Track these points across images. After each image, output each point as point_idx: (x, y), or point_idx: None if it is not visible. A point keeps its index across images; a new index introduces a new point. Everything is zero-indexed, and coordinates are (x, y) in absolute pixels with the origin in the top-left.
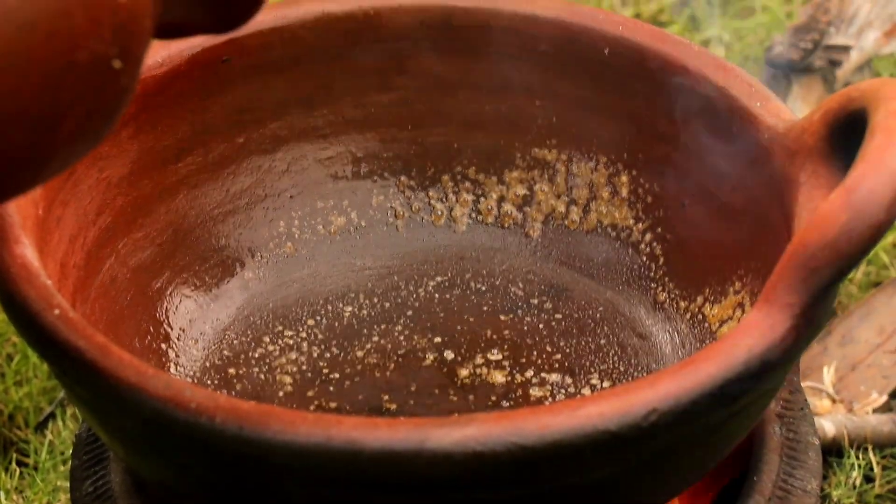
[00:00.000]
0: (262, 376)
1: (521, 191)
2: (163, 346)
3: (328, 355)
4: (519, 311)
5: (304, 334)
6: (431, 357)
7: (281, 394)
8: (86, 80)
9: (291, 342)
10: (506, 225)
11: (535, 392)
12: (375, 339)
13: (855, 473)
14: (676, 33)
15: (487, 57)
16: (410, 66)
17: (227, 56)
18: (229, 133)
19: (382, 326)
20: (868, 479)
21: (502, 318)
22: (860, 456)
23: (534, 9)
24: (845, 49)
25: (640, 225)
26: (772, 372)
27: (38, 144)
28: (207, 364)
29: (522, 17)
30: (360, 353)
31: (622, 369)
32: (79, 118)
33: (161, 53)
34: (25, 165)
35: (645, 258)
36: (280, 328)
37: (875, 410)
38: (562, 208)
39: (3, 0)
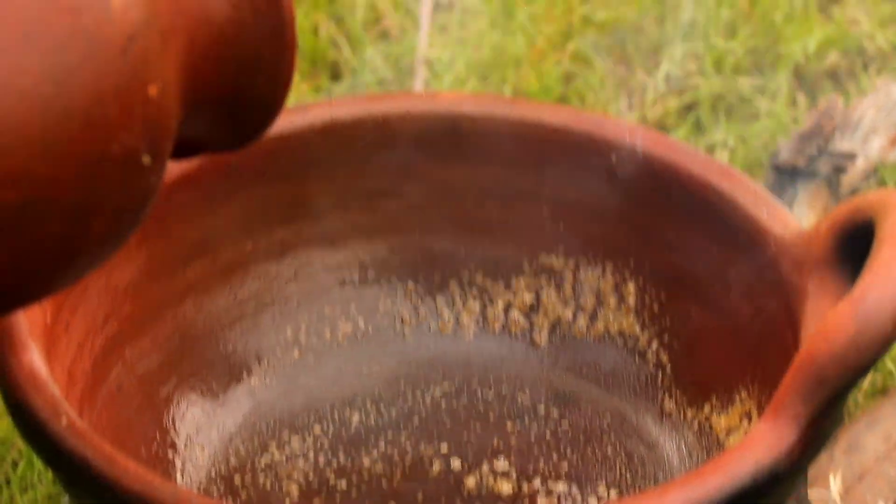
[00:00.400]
0: (269, 485)
1: (529, 298)
2: (169, 453)
3: (335, 463)
4: (526, 419)
5: (310, 441)
6: (438, 466)
7: (287, 503)
8: (117, 175)
9: (298, 450)
10: (513, 332)
11: (542, 502)
12: (382, 446)
13: None
14: (681, 138)
15: (494, 164)
16: (418, 172)
17: (235, 163)
18: (237, 239)
19: (389, 434)
20: None
21: (509, 425)
22: None
23: (540, 116)
24: (851, 156)
25: (646, 333)
26: (780, 484)
27: (71, 238)
28: (213, 472)
29: (529, 124)
30: (366, 462)
31: (629, 479)
32: (109, 215)
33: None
34: (55, 261)
35: (652, 367)
36: (286, 435)
37: None
38: (569, 316)
39: (41, 87)
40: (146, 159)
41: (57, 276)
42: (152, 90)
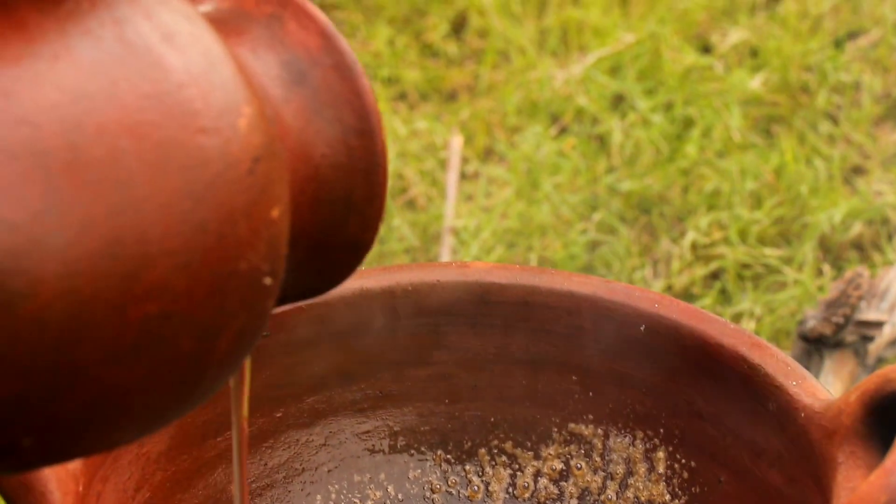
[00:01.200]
0: None
1: (558, 465)
2: None
3: None
4: None
5: None
6: None
7: None
8: (242, 293)
9: None
10: (542, 500)
11: None
12: None
13: None
14: (708, 307)
15: (523, 332)
16: (447, 340)
17: (266, 331)
18: (267, 407)
19: None
20: None
21: None
22: None
23: (570, 286)
24: (878, 324)
25: (676, 502)
26: None
27: (199, 357)
28: None
29: (559, 293)
30: None
31: None
32: (232, 335)
33: None
34: (183, 381)
35: None
36: None
37: None
38: (598, 483)
39: (181, 202)
40: (268, 280)
41: (182, 399)
42: (275, 212)
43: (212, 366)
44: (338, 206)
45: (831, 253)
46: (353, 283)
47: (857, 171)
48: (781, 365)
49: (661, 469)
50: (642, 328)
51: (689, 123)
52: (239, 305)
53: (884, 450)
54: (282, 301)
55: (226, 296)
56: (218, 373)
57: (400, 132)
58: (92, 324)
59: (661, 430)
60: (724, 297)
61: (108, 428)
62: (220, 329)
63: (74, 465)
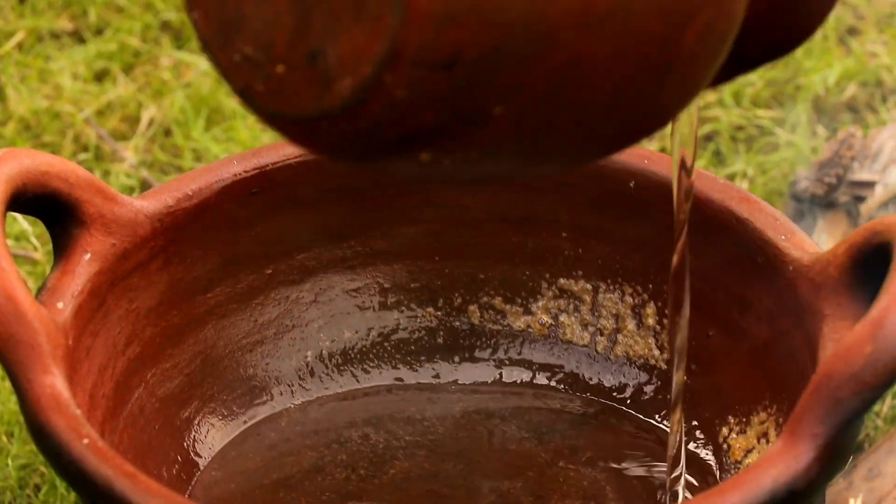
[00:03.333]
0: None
1: (548, 320)
2: (194, 473)
3: (355, 481)
4: (545, 437)
5: (328, 458)
6: (460, 491)
7: None
8: None
9: (316, 468)
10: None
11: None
12: (400, 465)
13: None
14: (701, 168)
15: (514, 189)
16: (438, 198)
17: (257, 188)
18: (258, 264)
19: (409, 452)
20: None
21: (528, 444)
22: None
23: None
24: (870, 185)
25: (666, 356)
26: (797, 503)
27: (667, 41)
28: (236, 492)
29: None
30: (385, 480)
31: (646, 498)
32: (699, 29)
33: (191, 186)
34: (652, 67)
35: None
36: (306, 455)
37: None
38: (587, 339)
39: None
40: None
41: (646, 97)
42: None
43: (679, 62)
44: None
45: (825, 114)
46: None
47: (852, 31)
48: (770, 219)
49: (650, 323)
50: (632, 184)
51: None
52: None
53: (870, 302)
54: (749, 62)
55: None
56: (684, 74)
57: None
58: None
59: (651, 286)
60: (718, 158)
61: (574, 113)
62: (688, 16)
63: (64, 319)
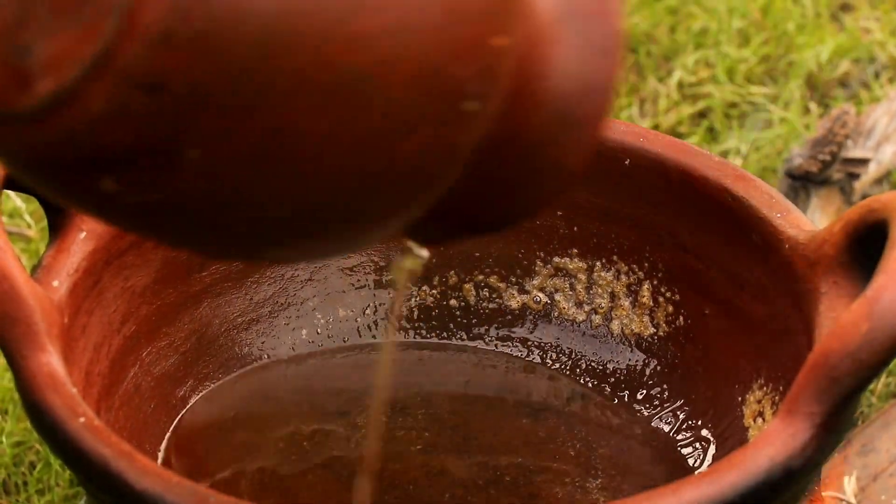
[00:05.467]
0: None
1: (543, 299)
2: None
3: (351, 455)
4: (540, 414)
5: (323, 436)
6: (447, 450)
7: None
8: (440, 100)
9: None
10: None
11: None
12: (397, 443)
13: None
14: (694, 144)
15: None
16: None
17: None
18: None
19: (405, 430)
20: None
21: (524, 422)
22: None
23: None
24: (863, 162)
25: (661, 334)
26: (793, 481)
27: (382, 143)
28: (231, 471)
29: None
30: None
31: (642, 475)
32: (415, 147)
33: None
34: (361, 169)
35: (666, 367)
36: (301, 431)
37: None
38: (583, 317)
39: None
40: (469, 105)
41: (348, 211)
42: (499, 40)
43: (389, 172)
44: (554, 116)
45: (818, 91)
46: None
47: (845, 7)
48: (766, 197)
49: (645, 302)
50: (627, 162)
51: None
52: (432, 111)
53: (866, 279)
54: (472, 228)
55: (423, 91)
56: (391, 193)
57: None
58: (293, 47)
59: (646, 264)
60: (712, 135)
61: (270, 191)
62: (408, 126)
63: (59, 297)
